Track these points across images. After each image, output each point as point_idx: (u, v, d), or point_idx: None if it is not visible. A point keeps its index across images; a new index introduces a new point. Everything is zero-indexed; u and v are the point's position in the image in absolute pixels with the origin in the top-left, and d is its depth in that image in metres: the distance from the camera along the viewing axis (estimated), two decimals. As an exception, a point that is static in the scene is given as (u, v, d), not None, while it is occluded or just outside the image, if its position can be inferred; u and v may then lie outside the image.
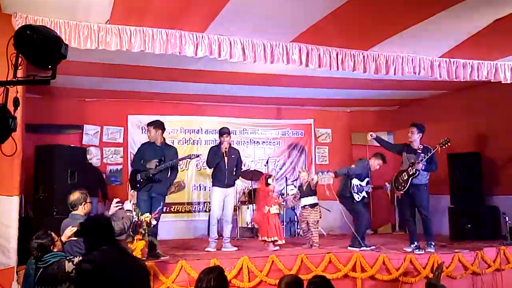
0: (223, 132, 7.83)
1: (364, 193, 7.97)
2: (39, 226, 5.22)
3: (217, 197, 7.74)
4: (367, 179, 8.02)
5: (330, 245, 8.11)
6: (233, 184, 7.97)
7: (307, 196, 8.19)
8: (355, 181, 7.93)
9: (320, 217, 8.25)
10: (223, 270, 3.80)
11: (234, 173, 7.94)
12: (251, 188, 10.00)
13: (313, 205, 8.14)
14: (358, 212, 8.02)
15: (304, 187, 8.25)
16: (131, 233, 6.23)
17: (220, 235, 7.94)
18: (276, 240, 7.58)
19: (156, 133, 7.32)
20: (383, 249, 7.57)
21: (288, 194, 9.88)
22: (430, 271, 6.80)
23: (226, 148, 7.77)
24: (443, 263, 6.70)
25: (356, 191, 7.90)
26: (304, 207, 8.19)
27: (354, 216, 8.17)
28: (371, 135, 7.89)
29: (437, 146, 7.50)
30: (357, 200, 7.92)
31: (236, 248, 7.66)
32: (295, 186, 10.05)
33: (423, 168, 7.49)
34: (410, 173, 7.50)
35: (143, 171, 7.14)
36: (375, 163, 8.13)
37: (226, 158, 7.74)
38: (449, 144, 7.50)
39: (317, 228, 8.20)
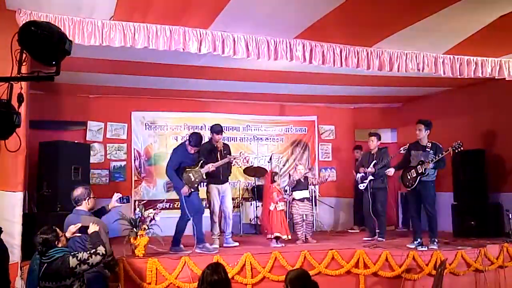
0: (218, 130, 7.76)
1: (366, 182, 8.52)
2: (43, 222, 5.25)
3: (216, 194, 7.72)
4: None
5: (332, 241, 8.11)
6: (227, 180, 7.96)
7: (305, 189, 8.27)
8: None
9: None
10: (224, 266, 4.05)
11: (228, 169, 7.93)
12: (254, 184, 10.00)
13: (308, 199, 8.30)
14: None
15: (302, 180, 8.29)
16: (134, 229, 6.26)
17: (222, 231, 7.95)
18: (279, 237, 7.61)
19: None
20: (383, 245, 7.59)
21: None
22: (433, 267, 6.80)
23: (221, 146, 7.81)
24: (446, 260, 6.70)
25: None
26: (302, 200, 8.21)
27: None
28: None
29: (449, 149, 7.35)
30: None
31: (237, 244, 7.70)
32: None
33: (431, 167, 7.45)
34: (419, 172, 7.40)
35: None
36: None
37: (219, 155, 7.70)
38: (461, 148, 7.34)
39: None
